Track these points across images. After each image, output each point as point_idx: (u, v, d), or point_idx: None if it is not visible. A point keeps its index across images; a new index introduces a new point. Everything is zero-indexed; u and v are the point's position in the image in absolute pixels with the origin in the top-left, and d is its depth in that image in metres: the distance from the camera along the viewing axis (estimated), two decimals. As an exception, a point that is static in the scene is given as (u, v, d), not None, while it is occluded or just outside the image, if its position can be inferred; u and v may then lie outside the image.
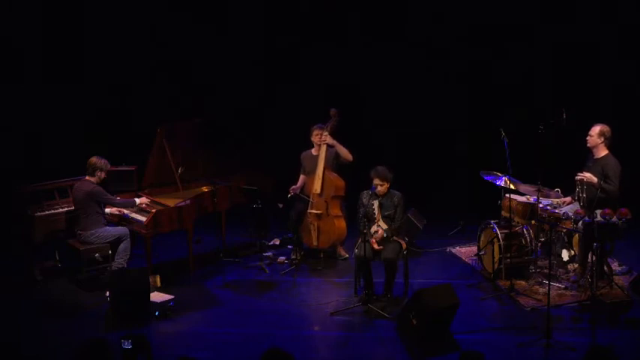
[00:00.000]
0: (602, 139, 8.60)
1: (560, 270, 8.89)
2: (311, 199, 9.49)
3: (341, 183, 9.49)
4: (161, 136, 9.31)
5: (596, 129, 8.63)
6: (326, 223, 9.50)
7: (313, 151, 9.68)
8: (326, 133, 9.48)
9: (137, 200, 9.29)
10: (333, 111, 9.50)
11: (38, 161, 11.21)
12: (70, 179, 9.36)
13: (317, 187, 9.48)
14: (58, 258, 9.45)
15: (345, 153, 9.53)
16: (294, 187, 9.69)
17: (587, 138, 8.67)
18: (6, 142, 11.26)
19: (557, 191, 8.89)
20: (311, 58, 11.79)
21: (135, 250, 9.14)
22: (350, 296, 8.64)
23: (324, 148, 9.49)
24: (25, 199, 9.23)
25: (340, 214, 9.54)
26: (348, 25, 11.68)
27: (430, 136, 11.77)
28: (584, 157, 8.80)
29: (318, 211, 9.48)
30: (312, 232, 9.54)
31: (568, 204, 8.84)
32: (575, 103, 9.87)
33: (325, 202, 9.46)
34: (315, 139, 9.58)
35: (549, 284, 7.69)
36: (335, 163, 9.55)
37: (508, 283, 8.69)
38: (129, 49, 11.67)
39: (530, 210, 8.96)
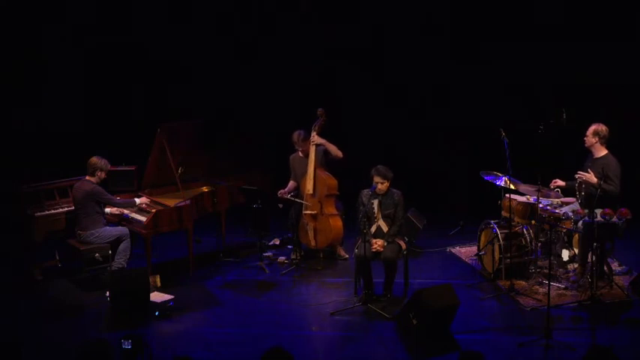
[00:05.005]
0: (597, 139, 8.61)
1: (560, 270, 8.89)
2: (304, 201, 9.49)
3: (333, 182, 9.48)
4: (161, 136, 9.30)
5: (591, 129, 8.65)
6: (321, 223, 9.49)
7: (300, 153, 9.68)
8: (314, 132, 9.48)
9: (137, 200, 9.30)
10: (320, 110, 9.50)
11: (38, 161, 11.21)
12: (70, 179, 9.37)
13: (309, 187, 9.47)
14: (58, 258, 9.46)
15: (334, 150, 9.52)
16: (282, 190, 9.69)
17: (584, 138, 8.68)
18: (6, 142, 11.26)
19: (557, 191, 8.89)
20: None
21: (135, 250, 9.14)
22: (350, 296, 8.64)
23: (313, 148, 9.49)
24: (25, 199, 9.24)
25: (335, 212, 9.53)
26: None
27: (430, 136, 11.76)
28: (584, 157, 8.80)
29: (313, 212, 9.47)
30: (309, 232, 9.54)
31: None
32: (576, 103, 9.89)
33: (319, 202, 9.45)
34: (299, 147, 9.57)
35: (549, 284, 7.69)
36: (324, 161, 9.55)
37: (508, 283, 8.69)
38: (128, 49, 11.69)
39: (530, 210, 8.95)
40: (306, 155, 9.55)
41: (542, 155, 8.39)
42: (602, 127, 8.60)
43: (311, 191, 9.47)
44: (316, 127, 9.50)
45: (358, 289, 8.62)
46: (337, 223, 9.55)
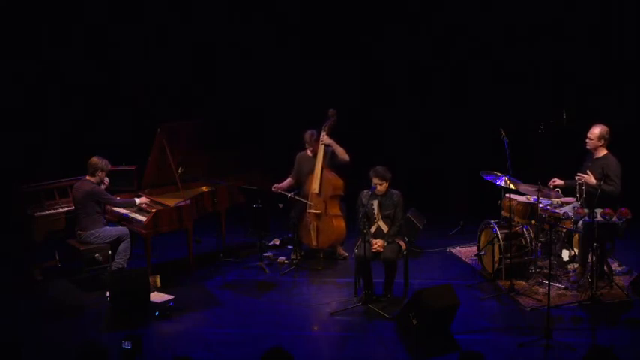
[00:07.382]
0: (602, 142, 8.59)
1: (560, 270, 8.89)
2: (309, 200, 9.49)
3: (339, 182, 9.49)
4: (161, 136, 9.30)
5: (595, 132, 8.59)
6: (325, 223, 9.50)
7: (309, 152, 9.68)
8: (324, 133, 9.49)
9: (137, 200, 9.30)
10: (331, 111, 9.50)
11: (38, 161, 11.22)
12: (70, 179, 9.38)
13: (315, 186, 9.47)
14: (58, 258, 9.46)
15: (341, 153, 9.51)
16: (277, 185, 9.68)
17: (587, 141, 8.65)
18: (6, 142, 11.26)
19: (557, 191, 8.88)
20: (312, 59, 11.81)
21: (135, 250, 9.15)
22: (350, 296, 8.64)
23: (321, 148, 9.49)
24: (25, 199, 9.24)
25: (339, 213, 9.53)
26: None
27: (431, 136, 11.76)
28: (583, 157, 8.79)
29: (317, 211, 9.47)
30: (312, 232, 9.54)
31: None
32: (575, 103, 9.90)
33: (324, 202, 9.46)
34: (310, 146, 9.56)
35: (549, 284, 7.69)
36: (330, 163, 9.54)
37: (508, 283, 8.69)
38: (130, 48, 11.70)
39: (530, 210, 8.95)
40: (315, 155, 9.55)
41: (542, 155, 8.40)
42: (605, 129, 8.57)
43: (317, 191, 9.47)
44: (326, 128, 9.49)
45: (358, 289, 8.62)
46: (340, 223, 9.55)
